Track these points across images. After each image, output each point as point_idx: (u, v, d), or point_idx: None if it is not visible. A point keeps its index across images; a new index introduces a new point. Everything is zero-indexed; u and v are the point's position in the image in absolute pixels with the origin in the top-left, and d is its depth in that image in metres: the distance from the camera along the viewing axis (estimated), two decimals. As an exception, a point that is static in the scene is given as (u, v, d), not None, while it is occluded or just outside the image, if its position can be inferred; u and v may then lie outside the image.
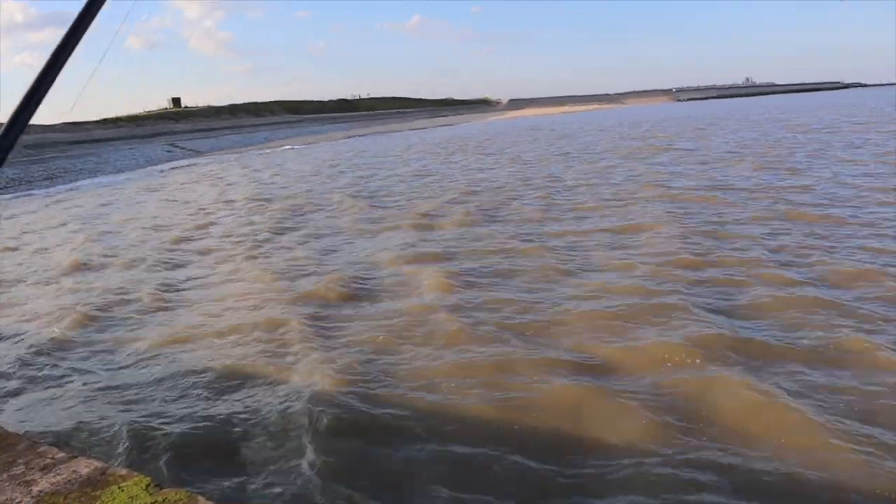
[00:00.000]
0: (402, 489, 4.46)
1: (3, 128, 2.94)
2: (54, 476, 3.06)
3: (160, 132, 72.95)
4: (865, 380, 5.42)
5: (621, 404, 5.33)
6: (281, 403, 5.72)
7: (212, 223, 17.15)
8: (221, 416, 5.66)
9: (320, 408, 5.53)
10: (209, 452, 5.12)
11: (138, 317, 8.97)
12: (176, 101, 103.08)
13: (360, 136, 74.74)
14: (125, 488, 2.96)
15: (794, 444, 4.57)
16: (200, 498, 2.84)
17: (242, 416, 5.65)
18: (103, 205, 24.13)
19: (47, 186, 35.60)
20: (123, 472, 3.13)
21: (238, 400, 5.98)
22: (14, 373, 7.18)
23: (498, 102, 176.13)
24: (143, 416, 5.73)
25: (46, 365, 7.37)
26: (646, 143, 32.92)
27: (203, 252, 13.29)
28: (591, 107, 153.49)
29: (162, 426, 5.55)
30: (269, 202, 20.45)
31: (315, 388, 5.89)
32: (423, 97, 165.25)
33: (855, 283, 7.76)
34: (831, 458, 4.38)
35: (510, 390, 5.74)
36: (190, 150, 62.31)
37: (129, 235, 16.15)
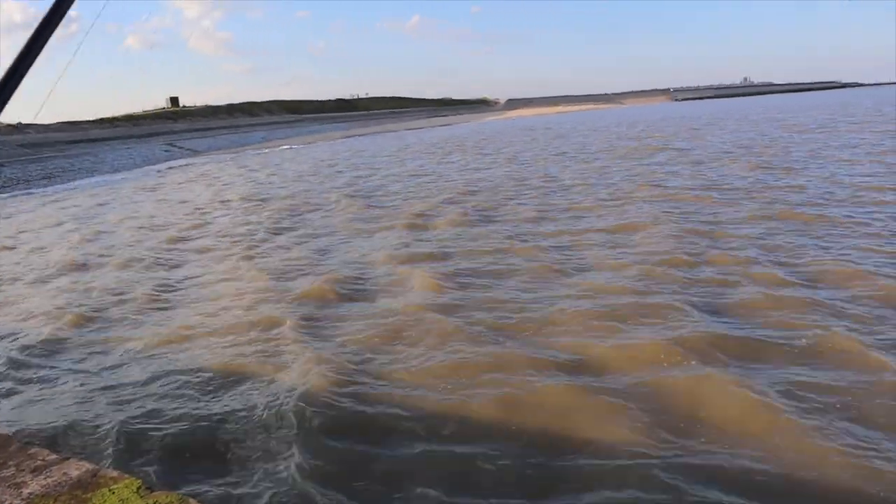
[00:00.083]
0: (394, 488, 4.47)
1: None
2: (45, 478, 3.08)
3: (158, 132, 72.93)
4: (854, 379, 5.44)
5: (612, 403, 5.35)
6: (274, 403, 5.73)
7: (208, 223, 17.15)
8: (214, 417, 5.67)
9: (313, 408, 5.55)
10: (201, 453, 5.13)
11: (133, 316, 8.98)
12: (174, 100, 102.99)
13: (358, 135, 74.75)
14: (116, 491, 2.97)
15: (782, 443, 4.59)
16: (192, 500, 2.85)
17: (235, 416, 5.65)
18: (100, 204, 24.13)
19: (45, 186, 35.58)
20: (114, 474, 3.15)
21: (231, 400, 5.98)
22: (7, 373, 7.18)
23: (496, 102, 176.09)
24: (136, 417, 5.74)
25: (40, 365, 7.38)
26: (642, 142, 32.94)
27: (199, 252, 13.29)
28: (588, 106, 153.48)
29: (154, 426, 5.56)
30: (265, 202, 20.46)
31: (308, 389, 5.90)
32: (421, 97, 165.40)
33: (847, 284, 7.78)
34: (818, 457, 4.40)
35: (501, 390, 5.76)
36: (188, 149, 62.28)
37: (124, 235, 16.15)
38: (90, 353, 7.66)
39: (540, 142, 40.39)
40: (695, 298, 7.69)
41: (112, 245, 14.81)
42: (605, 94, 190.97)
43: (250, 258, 12.08)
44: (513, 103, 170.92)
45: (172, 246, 14.17)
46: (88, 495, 2.94)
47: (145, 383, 6.51)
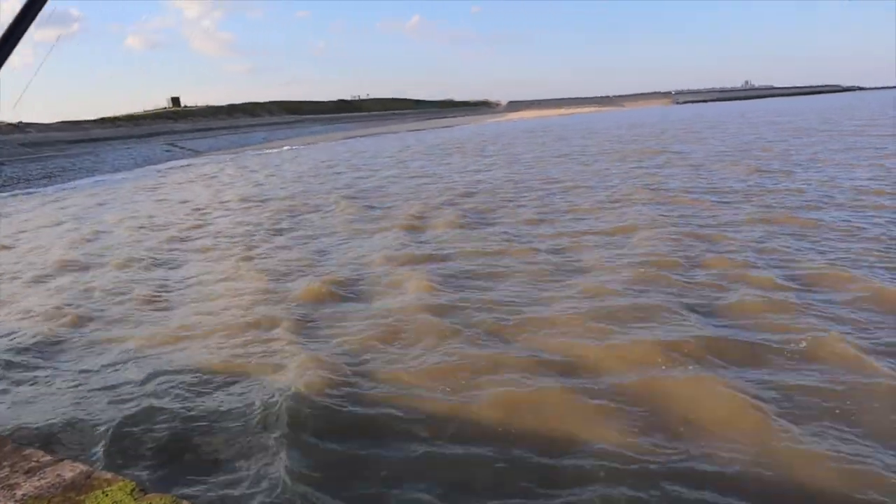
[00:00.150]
0: (387, 491, 4.49)
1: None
2: (38, 480, 3.08)
3: (159, 132, 72.91)
4: (846, 383, 5.46)
5: (605, 405, 5.38)
6: (268, 404, 5.74)
7: (207, 223, 17.16)
8: (208, 417, 5.70)
9: (307, 409, 5.59)
10: (195, 453, 5.15)
11: (130, 316, 9.00)
12: (175, 100, 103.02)
13: (359, 136, 74.75)
14: (109, 493, 2.97)
15: (772, 446, 4.61)
16: (185, 503, 2.86)
17: (230, 416, 5.67)
18: (100, 204, 24.14)
19: (45, 185, 35.60)
20: (108, 476, 3.15)
21: (226, 400, 6.01)
22: (2, 372, 7.19)
23: (498, 104, 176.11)
24: (130, 416, 5.75)
25: (35, 364, 7.40)
26: (642, 145, 32.96)
27: (197, 252, 13.31)
28: (590, 109, 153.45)
29: (148, 426, 5.58)
30: (264, 203, 20.47)
31: (302, 390, 5.92)
32: (422, 98, 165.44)
33: (841, 288, 7.81)
34: (807, 460, 4.43)
35: (495, 391, 5.79)
36: (189, 149, 62.29)
37: (123, 235, 16.16)
38: (86, 353, 7.68)
39: (540, 144, 40.39)
40: (689, 301, 7.72)
41: (111, 245, 14.83)
42: (607, 97, 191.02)
43: (248, 259, 12.09)
44: (514, 105, 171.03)
45: (171, 246, 14.19)
46: (82, 497, 2.94)
47: (141, 383, 6.52)
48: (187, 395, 6.17)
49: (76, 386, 6.63)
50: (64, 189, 32.68)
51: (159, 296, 9.99)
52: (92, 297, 10.20)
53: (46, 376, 7.00)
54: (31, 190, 33.34)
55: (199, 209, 20.24)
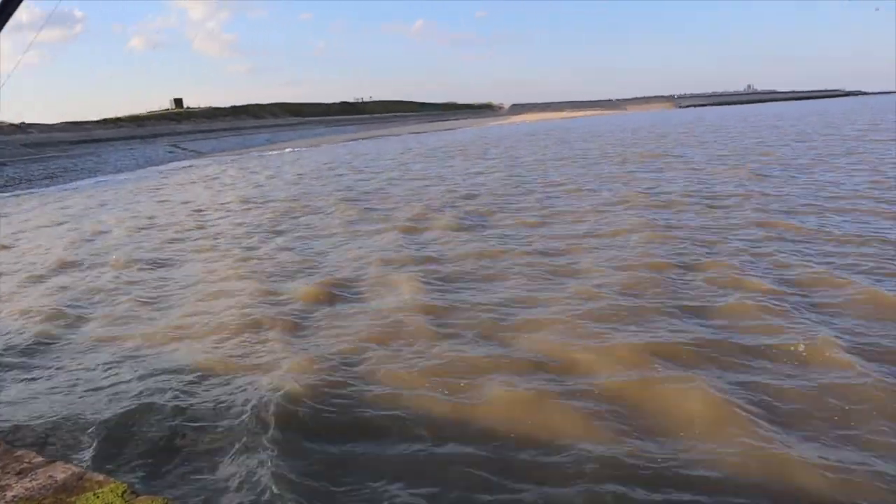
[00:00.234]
0: (375, 491, 4.52)
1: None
2: (30, 481, 3.09)
3: (162, 133, 72.94)
4: (832, 386, 5.49)
5: (591, 406, 5.42)
6: (259, 405, 5.76)
7: (206, 224, 17.20)
8: (198, 417, 5.73)
9: (297, 410, 5.65)
10: (184, 453, 5.18)
11: (126, 316, 9.04)
12: (178, 101, 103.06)
13: (362, 139, 74.82)
14: (100, 495, 2.98)
15: (753, 449, 4.62)
16: None
17: (221, 417, 5.71)
18: (100, 205, 24.20)
19: (46, 185, 35.66)
20: (100, 477, 3.16)
21: (217, 401, 6.04)
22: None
23: (501, 107, 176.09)
24: (122, 416, 5.78)
25: (30, 364, 7.44)
26: (643, 148, 32.97)
27: (195, 252, 13.35)
28: (593, 112, 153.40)
29: (140, 426, 5.62)
30: (264, 204, 20.52)
31: (293, 391, 5.96)
32: (426, 101, 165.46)
33: (834, 292, 7.83)
34: (786, 463, 4.45)
35: (484, 392, 5.83)
36: (191, 150, 62.36)
37: (122, 235, 16.21)
38: (82, 353, 7.71)
39: (542, 147, 40.40)
40: (682, 305, 7.75)
41: (110, 245, 14.88)
42: (610, 101, 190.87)
43: (246, 260, 12.13)
44: (517, 108, 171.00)
45: (170, 246, 14.24)
46: (72, 499, 2.95)
47: (135, 383, 6.56)
48: (181, 395, 6.19)
49: (70, 386, 6.67)
50: (65, 189, 32.74)
51: (157, 296, 10.03)
52: (90, 296, 10.25)
53: (41, 376, 7.03)
54: (32, 190, 33.40)
55: (199, 210, 20.29)
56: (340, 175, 29.25)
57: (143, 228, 17.17)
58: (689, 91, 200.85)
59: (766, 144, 30.46)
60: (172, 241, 14.94)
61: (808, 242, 10.33)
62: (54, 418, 5.88)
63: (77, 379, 6.84)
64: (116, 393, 6.35)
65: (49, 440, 5.52)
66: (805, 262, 9.11)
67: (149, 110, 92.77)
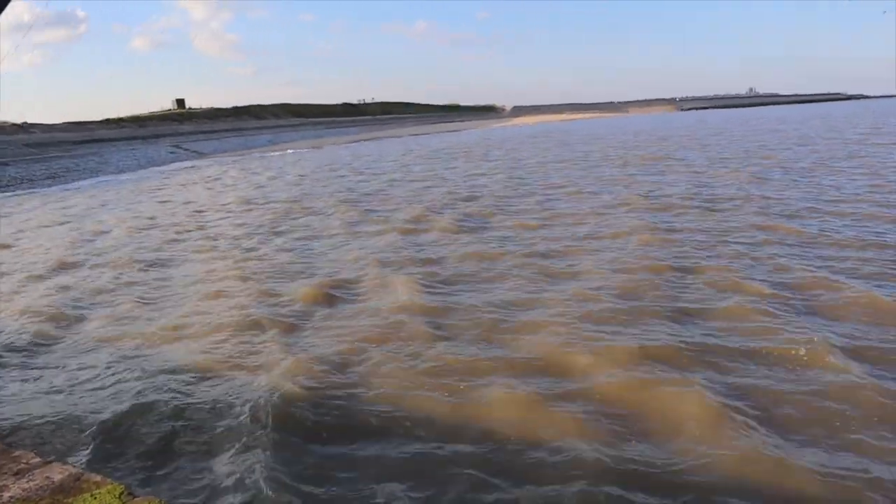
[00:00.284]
0: (367, 491, 4.53)
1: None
2: (27, 482, 3.10)
3: (164, 133, 73.00)
4: (823, 390, 5.50)
5: (584, 408, 5.44)
6: (256, 405, 5.78)
7: (206, 225, 17.25)
8: (197, 418, 5.75)
9: (292, 411, 5.67)
10: (181, 453, 5.20)
11: (124, 316, 9.07)
12: (180, 102, 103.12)
13: (364, 140, 74.90)
14: (97, 496, 2.98)
15: (748, 452, 4.63)
16: (172, 506, 2.87)
17: (218, 417, 5.73)
18: (101, 205, 24.25)
19: (48, 185, 35.71)
20: (97, 478, 3.16)
21: (214, 401, 6.05)
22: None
23: (503, 109, 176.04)
24: (119, 416, 5.80)
25: (28, 363, 7.47)
26: (644, 151, 32.97)
27: (195, 253, 13.38)
28: (594, 115, 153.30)
29: (136, 426, 5.63)
30: (265, 205, 20.56)
31: (289, 391, 5.99)
32: (428, 102, 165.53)
33: (831, 297, 7.82)
34: (780, 466, 4.46)
35: (478, 393, 5.86)
36: (193, 151, 62.39)
37: (123, 235, 16.24)
38: (80, 352, 7.74)
39: (544, 149, 40.40)
40: (678, 308, 7.78)
41: (110, 245, 14.91)
42: (612, 103, 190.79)
43: (245, 260, 12.17)
44: (519, 110, 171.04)
45: (170, 246, 14.28)
46: (69, 500, 2.95)
47: (131, 383, 6.57)
48: (179, 395, 6.21)
49: (69, 385, 6.68)
50: (67, 189, 32.79)
51: (157, 296, 10.07)
52: (90, 296, 10.27)
53: (40, 376, 7.05)
54: (34, 190, 33.45)
55: (200, 211, 20.33)
56: (342, 176, 29.28)
57: (143, 228, 17.21)
58: (690, 94, 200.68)
59: (768, 147, 30.45)
60: (173, 241, 14.98)
61: (807, 246, 10.32)
62: (53, 418, 5.89)
63: (76, 379, 6.86)
64: (115, 393, 6.37)
65: (47, 440, 5.53)
66: (804, 266, 9.10)
67: (151, 111, 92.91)
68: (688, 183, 19.00)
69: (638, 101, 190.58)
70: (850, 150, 26.04)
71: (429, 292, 9.06)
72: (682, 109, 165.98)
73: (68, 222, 19.63)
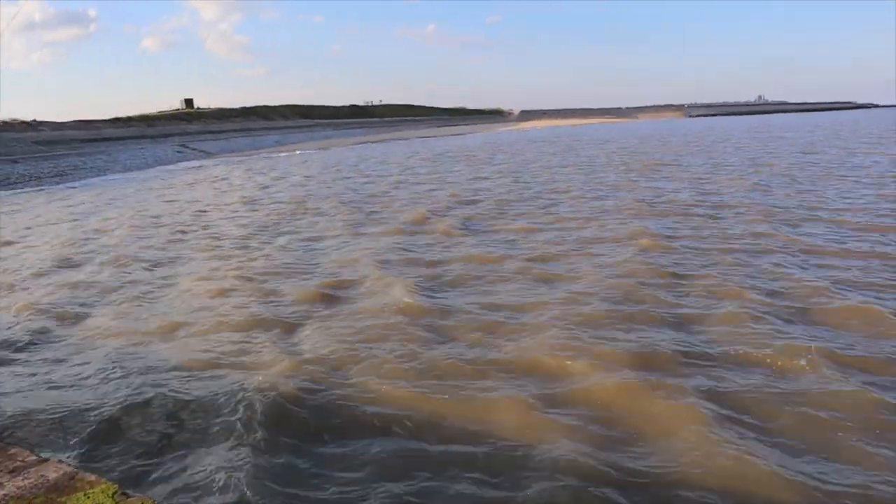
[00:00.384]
0: (357, 490, 4.58)
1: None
2: (22, 480, 3.13)
3: (171, 132, 73.21)
4: (810, 397, 5.52)
5: (569, 413, 5.49)
6: (250, 405, 5.82)
7: (210, 224, 17.34)
8: (190, 416, 5.81)
9: (287, 409, 5.74)
10: (173, 451, 5.24)
11: (122, 313, 9.12)
12: (189, 101, 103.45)
13: (370, 142, 75.00)
14: (91, 495, 3.01)
15: (730, 458, 4.65)
16: (164, 506, 2.90)
17: (211, 415, 5.78)
18: (108, 203, 24.38)
19: (56, 183, 35.86)
20: (92, 478, 3.19)
21: (208, 399, 6.10)
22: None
23: (510, 113, 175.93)
24: (114, 414, 5.85)
25: (25, 359, 7.54)
26: (650, 157, 32.97)
27: (195, 252, 13.45)
28: (602, 120, 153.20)
29: (132, 424, 5.69)
30: (269, 206, 20.64)
31: (282, 390, 6.05)
32: (435, 105, 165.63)
33: (823, 306, 7.83)
34: (756, 472, 4.48)
35: (468, 394, 5.91)
36: (201, 151, 62.58)
37: (126, 234, 16.32)
38: (79, 350, 7.80)
39: (550, 154, 40.40)
40: (669, 314, 7.82)
41: (113, 243, 14.99)
42: (620, 109, 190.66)
43: (246, 260, 12.24)
44: (527, 115, 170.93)
45: (172, 245, 14.37)
46: (63, 499, 2.97)
47: (127, 380, 6.64)
48: (175, 393, 6.26)
49: (67, 382, 6.75)
50: (74, 187, 32.96)
51: (157, 295, 10.14)
52: (90, 294, 10.35)
53: (38, 372, 7.12)
54: (42, 188, 33.61)
55: (204, 210, 20.42)
56: (347, 178, 29.36)
57: (148, 227, 17.31)
58: (699, 101, 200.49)
59: (773, 156, 30.40)
60: (176, 240, 15.06)
61: (807, 255, 10.31)
62: (50, 414, 5.94)
63: (75, 375, 6.92)
64: (113, 390, 6.41)
65: (42, 436, 5.57)
66: (802, 276, 9.10)
67: (159, 110, 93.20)
68: (691, 190, 19.00)
69: (646, 107, 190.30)
70: (855, 161, 25.95)
71: (428, 294, 9.12)
72: (690, 116, 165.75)
73: (74, 220, 19.75)
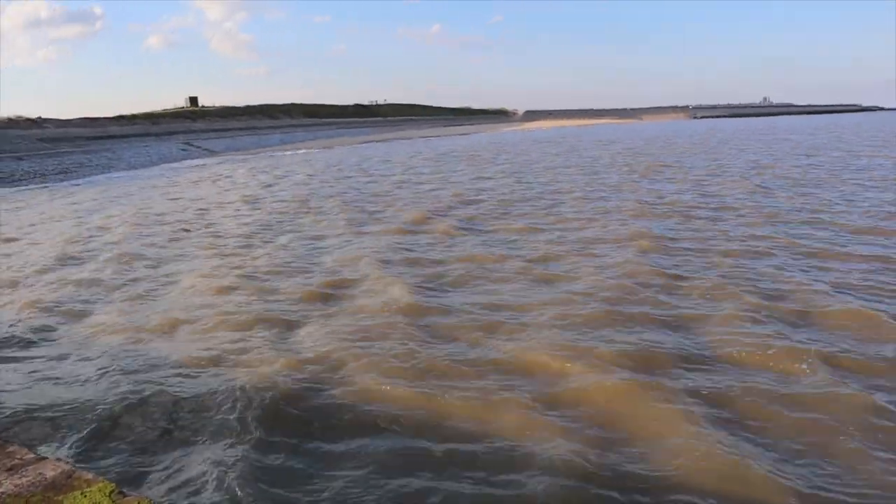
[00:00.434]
0: (349, 490, 4.60)
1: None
2: (20, 478, 3.15)
3: (176, 131, 73.30)
4: (814, 403, 5.53)
5: (563, 414, 5.52)
6: (247, 403, 5.86)
7: (212, 222, 17.41)
8: (186, 414, 5.85)
9: (283, 408, 5.79)
10: (172, 448, 5.28)
11: (120, 310, 9.17)
12: (193, 99, 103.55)
13: (374, 141, 75.08)
14: (88, 494, 3.02)
15: (719, 459, 4.67)
16: (161, 506, 2.92)
17: (208, 413, 5.82)
18: (111, 200, 24.46)
19: (60, 180, 35.97)
20: (89, 476, 3.21)
21: (205, 397, 6.14)
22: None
23: (515, 113, 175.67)
24: (111, 411, 5.89)
25: (23, 356, 7.59)
26: (653, 159, 32.93)
27: (197, 250, 13.50)
28: (607, 120, 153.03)
29: (129, 421, 5.72)
30: (272, 204, 20.70)
31: (284, 388, 6.12)
32: (439, 105, 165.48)
33: (819, 309, 7.82)
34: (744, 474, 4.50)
35: (460, 394, 5.93)
36: (205, 149, 62.68)
37: (128, 231, 16.38)
38: (78, 347, 7.84)
39: (553, 154, 40.40)
40: (663, 314, 7.85)
41: (115, 240, 15.05)
42: (625, 109, 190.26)
43: (247, 258, 12.29)
44: (531, 115, 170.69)
45: (174, 243, 14.43)
46: (60, 498, 2.99)
47: (125, 377, 6.68)
48: (172, 390, 6.30)
49: (66, 379, 6.79)
50: (78, 185, 33.05)
51: (157, 291, 10.20)
52: (92, 290, 10.41)
53: (37, 368, 7.16)
54: (46, 185, 33.71)
55: (207, 208, 20.48)
56: (350, 177, 29.40)
57: (150, 225, 17.38)
58: (704, 102, 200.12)
59: (776, 158, 30.35)
60: (178, 238, 15.12)
61: (808, 258, 10.31)
62: (49, 412, 5.97)
63: (75, 372, 6.97)
64: (111, 387, 6.44)
65: (41, 434, 5.59)
66: (802, 279, 9.10)
67: (164, 108, 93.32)
68: (693, 191, 19.00)
69: (651, 109, 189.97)
70: (860, 163, 25.89)
71: (428, 294, 9.15)
72: (695, 117, 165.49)
73: (78, 217, 19.81)
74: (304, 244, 13.48)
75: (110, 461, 5.07)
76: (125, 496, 3.07)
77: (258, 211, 19.25)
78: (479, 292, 9.19)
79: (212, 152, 61.20)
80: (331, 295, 9.37)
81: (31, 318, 8.96)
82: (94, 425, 5.62)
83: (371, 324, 7.95)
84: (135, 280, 10.97)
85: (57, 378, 6.80)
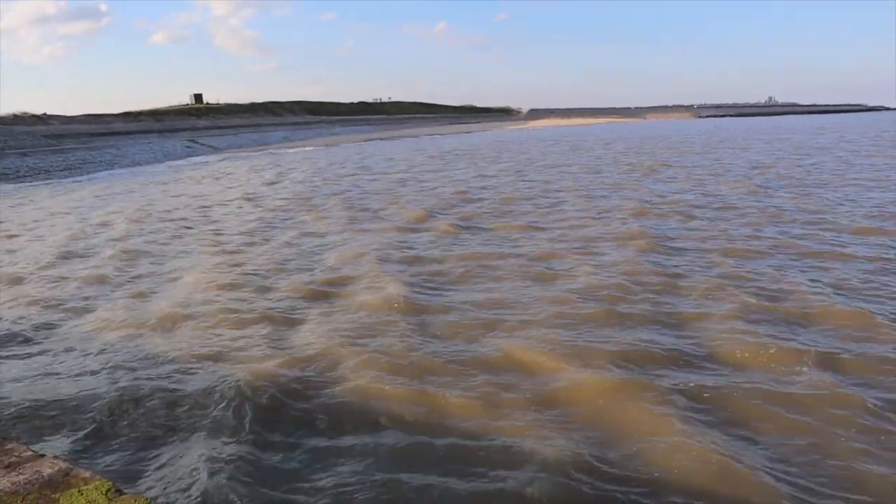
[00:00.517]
0: (353, 481, 4.63)
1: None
2: (17, 475, 3.16)
3: (180, 127, 73.36)
4: (809, 404, 5.54)
5: (558, 411, 5.54)
6: (243, 399, 5.89)
7: (213, 219, 17.47)
8: (182, 409, 5.88)
9: (284, 404, 5.84)
10: (168, 444, 5.32)
11: (121, 305, 9.21)
12: (198, 97, 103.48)
13: (378, 139, 75.06)
14: (85, 492, 3.03)
15: (713, 458, 4.67)
16: (157, 504, 2.93)
17: (204, 409, 5.86)
18: (114, 197, 24.55)
19: (64, 177, 36.08)
20: (86, 474, 3.22)
21: (201, 393, 6.18)
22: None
23: (518, 112, 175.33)
24: (108, 407, 5.92)
25: (22, 352, 7.62)
26: (655, 158, 32.90)
27: (198, 246, 13.54)
28: (611, 119, 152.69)
29: (125, 418, 5.76)
30: (274, 202, 20.76)
31: (281, 384, 6.15)
32: (444, 103, 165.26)
33: (815, 310, 7.80)
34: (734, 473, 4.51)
35: (454, 391, 5.95)
36: (209, 146, 62.76)
37: (131, 227, 16.44)
38: (77, 342, 7.87)
39: (556, 153, 40.36)
40: (669, 313, 7.86)
41: (116, 237, 15.12)
42: (629, 108, 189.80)
43: (247, 255, 12.34)
44: (535, 113, 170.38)
45: (176, 240, 14.49)
46: (57, 496, 2.99)
47: (123, 372, 6.73)
48: (169, 386, 6.34)
49: (65, 373, 6.85)
50: (82, 181, 33.16)
51: (157, 288, 10.25)
52: (93, 286, 10.46)
53: (37, 364, 7.20)
54: (51, 181, 33.83)
55: (209, 205, 20.55)
56: (352, 175, 29.43)
57: (152, 221, 17.44)
58: (709, 101, 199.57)
59: (779, 158, 30.28)
60: (180, 234, 15.18)
61: (807, 258, 10.30)
62: (48, 408, 6.00)
63: (73, 369, 7.00)
64: (108, 382, 6.49)
65: (39, 430, 5.61)
66: (801, 279, 9.09)
67: (169, 105, 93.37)
68: (695, 191, 18.97)
69: (656, 108, 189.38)
70: (863, 163, 25.83)
71: (428, 292, 9.18)
72: (699, 117, 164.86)
73: (81, 213, 19.89)
74: (306, 241, 13.52)
75: (107, 458, 5.09)
76: (122, 494, 3.07)
77: (262, 208, 19.29)
78: (479, 290, 9.21)
79: (216, 149, 61.28)
80: (331, 292, 9.40)
81: (32, 314, 9.00)
82: (92, 422, 5.65)
83: (371, 321, 7.97)
84: (136, 277, 11.02)
85: (57, 374, 6.83)
